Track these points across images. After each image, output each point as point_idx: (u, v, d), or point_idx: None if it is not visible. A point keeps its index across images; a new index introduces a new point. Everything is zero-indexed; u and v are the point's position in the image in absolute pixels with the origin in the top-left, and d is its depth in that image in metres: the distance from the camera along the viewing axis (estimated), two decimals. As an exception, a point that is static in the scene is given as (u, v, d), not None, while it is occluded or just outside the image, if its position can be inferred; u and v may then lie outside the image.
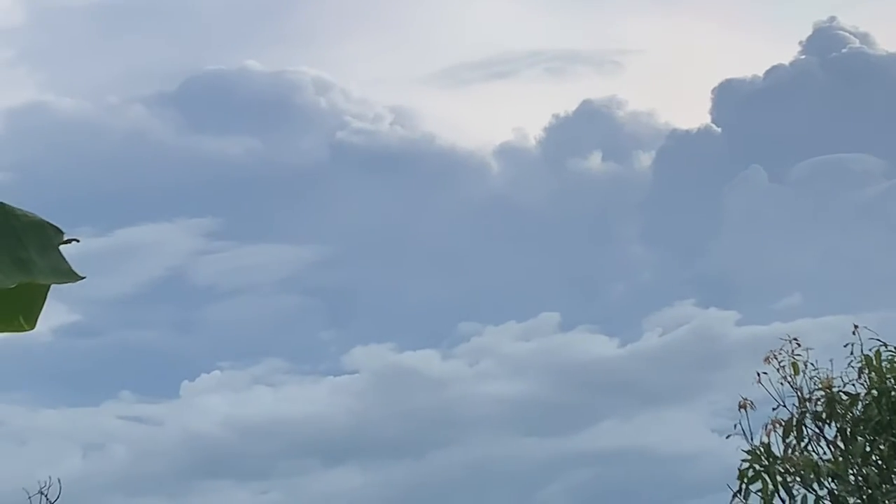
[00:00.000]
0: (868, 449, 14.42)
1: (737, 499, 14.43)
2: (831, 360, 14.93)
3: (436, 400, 53.83)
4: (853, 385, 14.76)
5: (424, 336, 58.70)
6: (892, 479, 14.23)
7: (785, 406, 14.85)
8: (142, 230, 61.87)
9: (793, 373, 14.90)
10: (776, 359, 14.95)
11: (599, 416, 53.66)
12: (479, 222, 63.95)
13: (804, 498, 14.26)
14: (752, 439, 14.67)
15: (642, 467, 49.18)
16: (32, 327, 4.20)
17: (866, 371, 14.70)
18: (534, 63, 69.21)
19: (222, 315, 61.59)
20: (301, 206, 64.91)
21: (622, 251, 63.68)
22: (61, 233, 4.18)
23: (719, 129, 63.93)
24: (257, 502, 51.77)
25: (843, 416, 14.59)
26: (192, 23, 70.62)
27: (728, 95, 63.65)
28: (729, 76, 64.23)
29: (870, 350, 14.72)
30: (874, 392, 14.56)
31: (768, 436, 14.67)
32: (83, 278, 4.07)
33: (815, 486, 14.28)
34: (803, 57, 63.43)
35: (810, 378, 14.86)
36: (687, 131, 64.53)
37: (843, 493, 14.21)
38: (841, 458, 14.36)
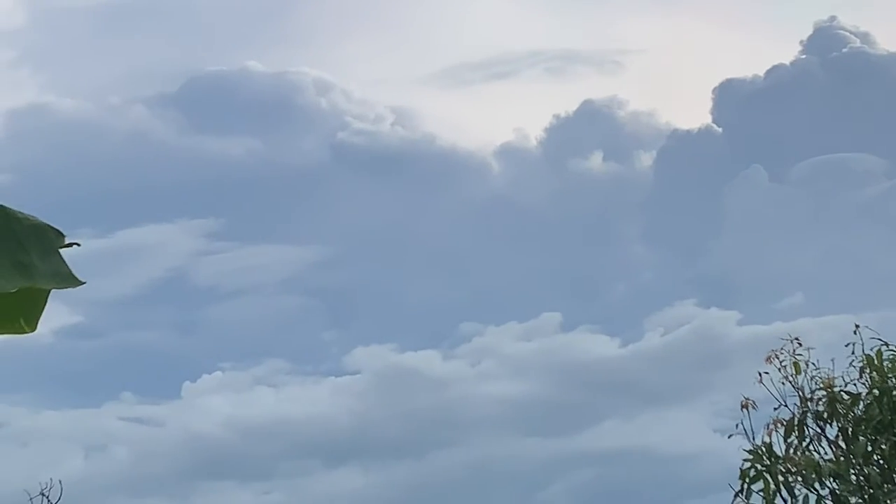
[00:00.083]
0: (870, 448, 14.42)
1: (738, 499, 14.43)
2: (833, 360, 14.94)
3: (437, 400, 53.87)
4: (854, 385, 14.77)
5: (426, 336, 58.75)
6: (893, 478, 14.23)
7: (786, 406, 14.86)
8: (143, 231, 61.96)
9: (794, 372, 14.90)
10: (777, 359, 14.95)
11: (601, 417, 53.70)
12: (480, 223, 64.00)
13: (806, 498, 14.26)
14: (753, 439, 14.67)
15: (644, 467, 49.21)
16: (33, 329, 4.20)
17: (867, 371, 14.70)
18: (534, 63, 69.27)
19: (224, 316, 61.65)
20: (302, 207, 64.98)
21: (623, 251, 63.73)
22: (62, 236, 4.18)
23: (720, 129, 63.99)
24: (259, 503, 51.83)
25: (845, 415, 14.59)
26: (193, 24, 70.68)
27: (729, 95, 63.69)
28: (729, 76, 64.31)
29: (871, 350, 14.72)
30: (875, 391, 14.56)
31: (770, 436, 14.67)
32: (83, 283, 4.07)
33: (817, 485, 14.28)
34: (804, 57, 63.48)
35: (812, 378, 14.86)
36: (688, 131, 64.59)
37: (845, 493, 14.21)
38: (842, 458, 14.36)
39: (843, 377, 14.81)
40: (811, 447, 14.62)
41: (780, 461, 14.41)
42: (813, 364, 14.93)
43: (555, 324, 57.37)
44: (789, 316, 51.53)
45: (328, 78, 66.02)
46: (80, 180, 63.60)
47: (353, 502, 50.83)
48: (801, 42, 63.68)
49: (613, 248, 64.12)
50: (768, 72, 63.56)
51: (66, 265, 4.12)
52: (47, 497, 14.21)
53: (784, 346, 14.94)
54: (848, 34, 62.97)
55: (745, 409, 14.80)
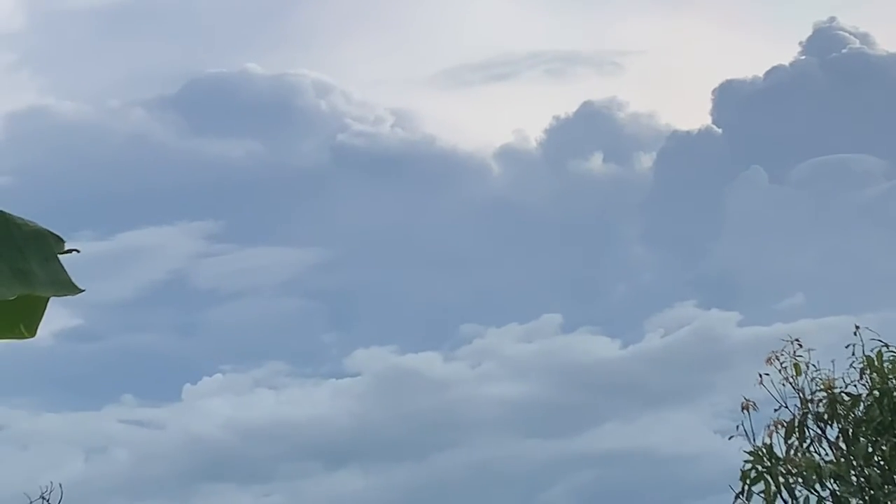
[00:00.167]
0: (870, 450, 14.41)
1: (739, 500, 14.42)
2: (833, 361, 14.93)
3: (438, 402, 53.85)
4: (855, 386, 14.76)
5: (426, 338, 58.76)
6: (894, 479, 14.23)
7: (787, 407, 14.85)
8: (143, 234, 61.95)
9: (794, 374, 14.90)
10: (778, 360, 14.95)
11: (602, 418, 53.69)
12: (480, 224, 63.99)
13: (806, 499, 14.26)
14: (754, 440, 14.67)
15: (645, 468, 49.20)
16: (33, 335, 4.20)
17: (868, 372, 14.69)
18: (534, 64, 69.30)
19: (224, 318, 61.65)
20: (302, 209, 64.99)
21: (623, 252, 63.74)
22: (62, 241, 4.17)
23: (720, 130, 64.01)
24: (260, 505, 51.78)
25: (845, 416, 14.58)
26: (192, 26, 70.69)
27: (728, 96, 63.70)
28: (729, 77, 64.33)
29: (871, 351, 14.72)
30: (876, 393, 14.56)
31: (770, 437, 14.67)
32: (82, 291, 4.07)
33: (818, 487, 14.28)
34: (803, 57, 63.50)
35: (812, 379, 14.85)
36: (687, 132, 64.60)
37: (846, 495, 14.21)
38: (843, 459, 14.36)
39: (843, 378, 14.81)
40: (812, 448, 14.62)
41: (781, 462, 14.41)
42: (813, 365, 14.94)
43: (555, 325, 57.44)
44: (790, 317, 51.57)
45: (328, 80, 66.12)
46: (80, 183, 63.67)
47: (353, 504, 50.84)
48: (800, 43, 63.76)
49: (613, 250, 64.17)
50: (768, 73, 63.63)
51: (66, 272, 4.11)
52: (47, 500, 14.20)
53: (784, 347, 14.95)
54: (847, 35, 63.01)
55: (745, 411, 14.80)
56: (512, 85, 69.52)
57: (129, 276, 60.31)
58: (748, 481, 14.42)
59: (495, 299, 61.14)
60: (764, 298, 57.45)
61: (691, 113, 72.48)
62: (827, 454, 14.58)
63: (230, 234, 62.67)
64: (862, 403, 14.61)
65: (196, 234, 62.49)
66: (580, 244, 63.87)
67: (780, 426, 14.69)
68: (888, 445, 14.28)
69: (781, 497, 14.31)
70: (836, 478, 14.24)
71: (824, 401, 14.70)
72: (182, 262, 62.43)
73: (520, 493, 50.19)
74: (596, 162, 65.25)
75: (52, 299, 4.23)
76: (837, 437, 14.60)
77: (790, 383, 14.88)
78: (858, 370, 14.74)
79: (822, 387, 14.78)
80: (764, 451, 14.53)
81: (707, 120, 64.42)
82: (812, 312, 50.85)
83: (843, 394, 14.70)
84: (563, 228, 64.01)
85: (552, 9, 70.24)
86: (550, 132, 65.69)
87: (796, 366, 14.87)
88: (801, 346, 14.98)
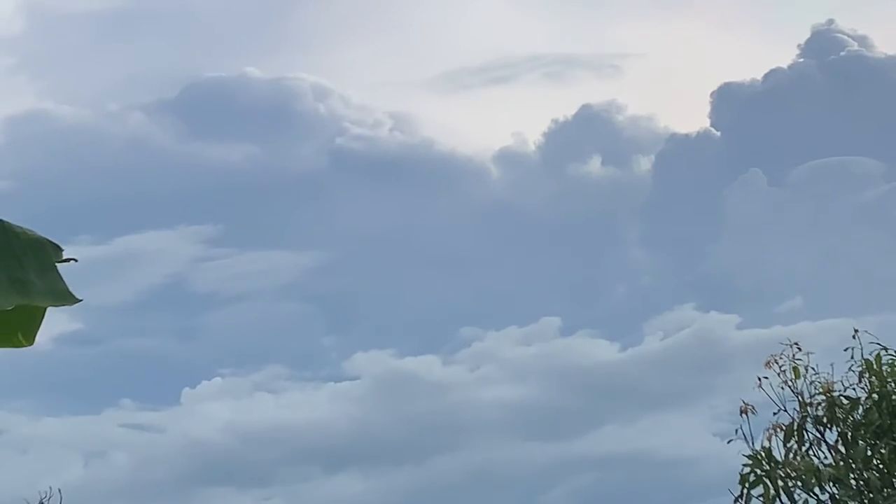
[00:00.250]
0: (869, 453, 14.43)
1: (738, 503, 14.43)
2: (832, 365, 14.95)
3: (437, 405, 53.82)
4: (854, 389, 14.78)
5: (425, 341, 58.72)
6: (893, 483, 14.23)
7: (786, 410, 14.87)
8: (142, 237, 61.89)
9: (793, 377, 14.91)
10: (777, 363, 14.97)
11: (601, 421, 53.66)
12: (479, 227, 63.97)
13: (805, 502, 14.27)
14: (753, 444, 14.68)
15: (644, 471, 49.18)
16: (31, 343, 4.20)
17: (867, 375, 14.71)
18: (533, 67, 69.28)
19: (223, 322, 61.61)
20: (301, 213, 64.97)
21: (622, 255, 63.71)
22: (60, 250, 4.16)
23: (718, 133, 63.98)
24: (259, 509, 51.75)
25: (844, 420, 14.59)
26: (191, 30, 70.71)
27: (727, 99, 63.68)
28: (728, 80, 64.27)
29: (870, 354, 14.74)
30: (875, 396, 14.57)
31: (769, 440, 14.68)
32: (80, 301, 4.06)
33: (817, 490, 14.29)
34: (802, 60, 63.49)
35: (811, 382, 14.87)
36: (686, 135, 64.58)
37: (845, 498, 14.21)
38: (842, 463, 14.37)
39: (842, 382, 14.83)
40: (811, 452, 14.63)
41: (780, 466, 14.42)
42: (812, 368, 14.95)
43: (554, 328, 57.40)
44: (789, 319, 51.49)
45: (326, 83, 66.08)
46: (78, 187, 63.62)
47: (352, 508, 50.82)
48: (798, 45, 63.72)
49: (613, 253, 64.16)
50: (766, 75, 63.60)
51: (64, 282, 4.10)
52: (47, 505, 14.20)
53: (783, 350, 14.96)
54: (846, 37, 63.01)
55: (744, 414, 14.81)
56: (511, 88, 69.57)
57: (129, 280, 60.32)
58: (747, 485, 14.43)
59: (494, 302, 61.17)
60: (763, 301, 57.49)
61: (690, 116, 72.47)
62: (826, 458, 14.59)
63: (229, 237, 62.67)
64: (861, 407, 14.62)
65: (195, 238, 62.48)
66: (579, 247, 63.91)
67: (779, 430, 14.70)
68: (887, 449, 14.29)
69: (780, 500, 14.32)
70: (835, 481, 14.25)
71: (823, 404, 14.71)
72: (181, 265, 62.41)
73: (519, 497, 50.20)
74: (595, 165, 65.29)
75: (50, 304, 4.23)
76: (836, 441, 14.62)
77: (789, 387, 14.90)
78: (857, 373, 14.75)
79: (821, 390, 14.79)
80: (763, 454, 14.54)
81: (706, 122, 64.48)
82: (811, 315, 50.84)
83: (841, 397, 14.71)
84: (561, 231, 64.05)
85: (551, 12, 70.30)
86: (549, 135, 65.71)
87: (795, 369, 14.89)
88: (799, 349, 15.00)
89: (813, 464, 14.38)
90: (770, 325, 47.90)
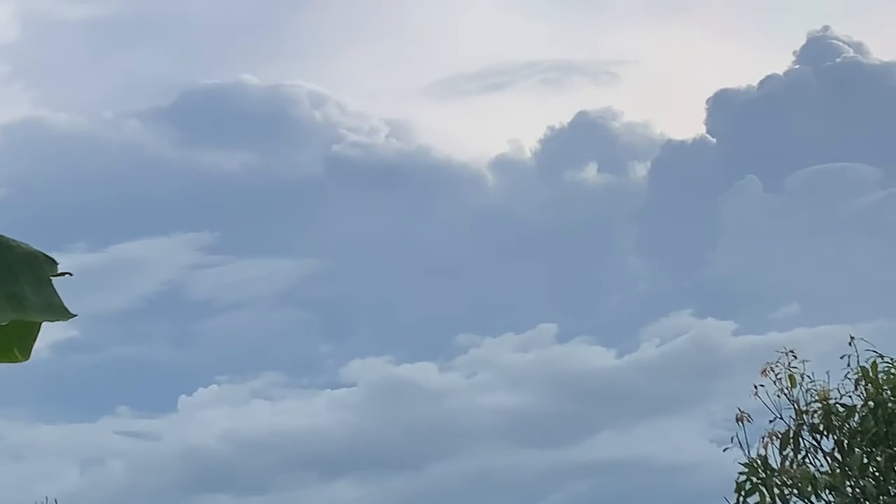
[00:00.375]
0: (865, 461, 14.43)
1: (734, 511, 14.44)
2: (828, 372, 14.95)
3: (434, 412, 53.78)
4: (850, 397, 14.78)
5: (422, 348, 58.69)
6: (889, 490, 14.23)
7: (782, 418, 14.87)
8: (138, 245, 61.80)
9: (789, 385, 14.92)
10: (773, 371, 14.97)
11: (598, 427, 53.62)
12: (475, 234, 63.95)
13: (802, 510, 14.28)
14: (749, 451, 14.68)
15: (641, 478, 49.15)
16: (27, 358, 4.20)
17: (863, 382, 14.71)
18: (529, 74, 69.23)
19: (219, 329, 61.55)
20: (297, 220, 64.94)
21: (619, 262, 63.72)
22: (55, 264, 4.15)
23: (714, 140, 63.99)
24: (256, 516, 51.72)
25: (840, 427, 14.60)
26: (187, 37, 70.68)
27: (723, 105, 63.70)
28: (723, 86, 64.28)
29: (866, 361, 14.74)
30: (871, 403, 14.57)
31: (765, 448, 14.69)
32: (74, 316, 4.06)
33: (813, 498, 14.29)
34: (797, 66, 63.50)
35: (807, 390, 14.88)
36: (682, 142, 64.56)
37: (841, 505, 14.22)
38: (838, 470, 14.37)
39: (838, 389, 14.84)
40: (807, 460, 14.63)
41: (776, 474, 14.42)
42: (808, 376, 14.96)
43: (551, 335, 57.37)
44: (785, 326, 51.54)
45: (322, 91, 66.05)
46: (74, 194, 63.55)
47: (349, 515, 50.78)
48: (794, 52, 63.72)
49: (609, 259, 64.16)
50: (762, 82, 63.60)
51: (58, 297, 4.10)
52: (43, 514, 14.19)
53: (779, 358, 14.97)
54: (841, 44, 63.04)
55: (740, 422, 14.82)
56: (507, 95, 69.54)
57: (125, 288, 60.24)
58: (743, 493, 14.43)
59: (491, 309, 61.15)
60: (759, 307, 57.48)
61: (686, 122, 72.62)
62: (822, 465, 14.59)
63: (225, 245, 62.60)
64: (857, 414, 14.62)
65: (191, 246, 62.42)
66: (575, 254, 63.90)
67: (775, 437, 14.71)
68: (883, 456, 14.29)
69: (777, 508, 14.32)
70: (832, 489, 14.25)
71: (819, 412, 14.72)
72: (177, 273, 62.33)
73: (516, 503, 50.19)
74: (591, 171, 65.29)
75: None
76: (832, 449, 14.62)
77: (785, 394, 14.90)
78: (853, 381, 14.76)
79: (816, 398, 14.79)
80: (759, 462, 14.54)
81: (701, 129, 64.44)
82: (807, 321, 50.80)
83: (837, 405, 14.71)
84: (557, 238, 64.04)
85: (547, 19, 70.33)
86: (545, 142, 65.70)
87: (791, 377, 14.90)
88: (795, 357, 15.01)
89: (809, 471, 14.39)
90: (766, 331, 47.96)
